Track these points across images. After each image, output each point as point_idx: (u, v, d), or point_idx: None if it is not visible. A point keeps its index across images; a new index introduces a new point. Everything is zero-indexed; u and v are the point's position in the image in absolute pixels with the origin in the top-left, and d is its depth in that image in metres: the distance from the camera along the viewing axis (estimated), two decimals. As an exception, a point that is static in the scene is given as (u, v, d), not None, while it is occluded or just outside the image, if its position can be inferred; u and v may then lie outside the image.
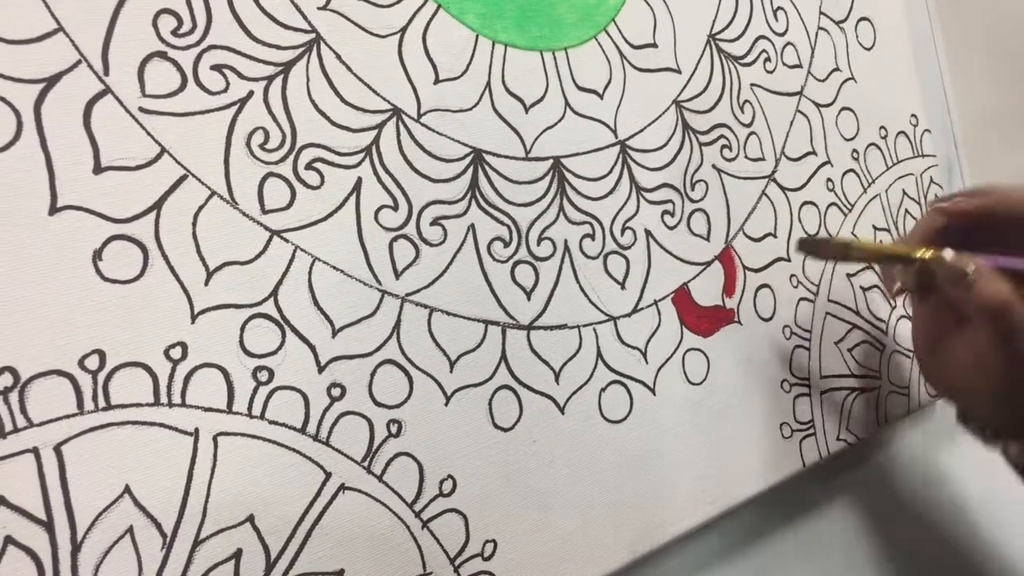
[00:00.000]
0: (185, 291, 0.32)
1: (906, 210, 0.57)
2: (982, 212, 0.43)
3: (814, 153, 0.53)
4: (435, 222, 0.38)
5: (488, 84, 0.40)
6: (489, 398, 0.38)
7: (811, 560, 0.53)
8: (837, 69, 0.55)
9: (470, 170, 0.39)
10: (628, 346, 0.43)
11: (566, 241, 0.42)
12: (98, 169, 0.30)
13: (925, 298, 0.47)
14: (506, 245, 0.40)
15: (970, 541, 0.61)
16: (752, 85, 0.50)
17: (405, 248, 0.37)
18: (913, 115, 0.59)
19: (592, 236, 0.42)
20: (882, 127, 0.57)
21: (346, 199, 0.36)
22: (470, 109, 0.39)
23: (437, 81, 0.39)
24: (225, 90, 0.33)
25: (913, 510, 0.59)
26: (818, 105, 0.53)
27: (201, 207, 0.32)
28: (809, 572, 0.53)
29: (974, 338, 0.43)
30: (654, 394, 0.44)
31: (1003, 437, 0.46)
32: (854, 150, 0.55)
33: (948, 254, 0.42)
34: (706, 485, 0.45)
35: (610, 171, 0.44)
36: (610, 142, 0.44)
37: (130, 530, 0.30)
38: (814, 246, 0.46)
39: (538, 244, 0.41)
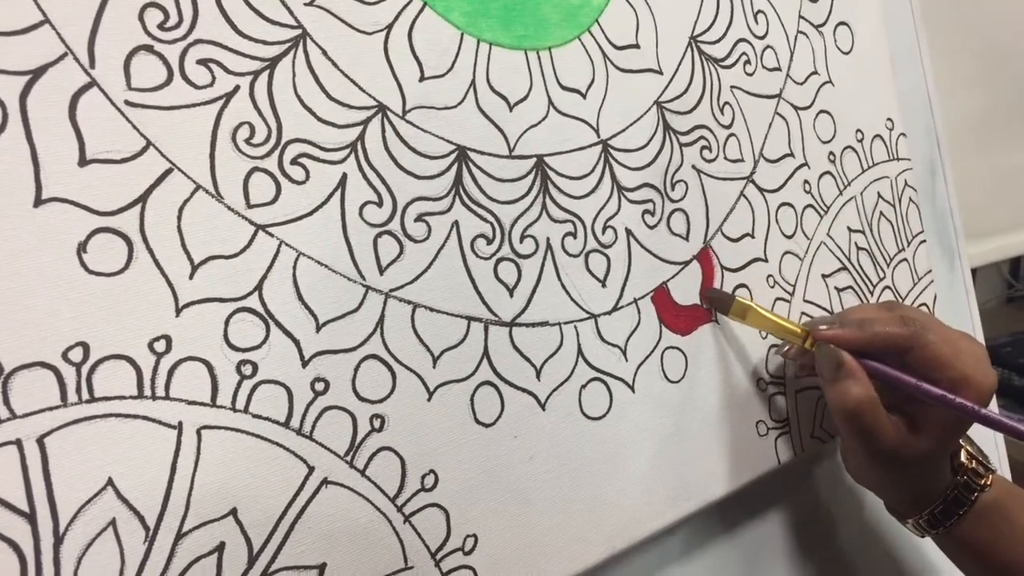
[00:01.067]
0: (170, 284, 0.32)
1: (881, 213, 0.58)
2: (856, 344, 0.45)
3: (792, 155, 0.54)
4: (419, 218, 0.38)
5: (473, 82, 0.40)
6: (471, 394, 0.39)
7: (781, 556, 0.54)
8: (815, 72, 0.55)
9: (454, 167, 0.39)
10: (608, 344, 0.43)
11: (548, 239, 0.42)
12: (83, 162, 0.30)
13: (802, 374, 0.52)
14: (489, 242, 0.40)
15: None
16: (732, 87, 0.51)
17: (389, 244, 0.37)
18: (889, 119, 0.60)
19: (574, 234, 0.43)
20: (858, 130, 0.58)
21: (331, 194, 0.36)
22: (455, 107, 0.40)
23: (422, 78, 0.39)
24: (211, 84, 0.33)
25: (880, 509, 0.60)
26: (796, 108, 0.54)
27: (186, 201, 0.32)
28: (781, 568, 0.54)
29: (844, 439, 0.48)
30: (633, 391, 0.44)
31: (904, 518, 0.51)
32: (831, 153, 0.56)
33: (824, 348, 0.45)
34: (683, 482, 0.45)
35: (592, 170, 0.44)
36: (592, 141, 0.44)
37: (113, 522, 0.30)
38: (719, 300, 0.48)
39: (521, 242, 0.41)
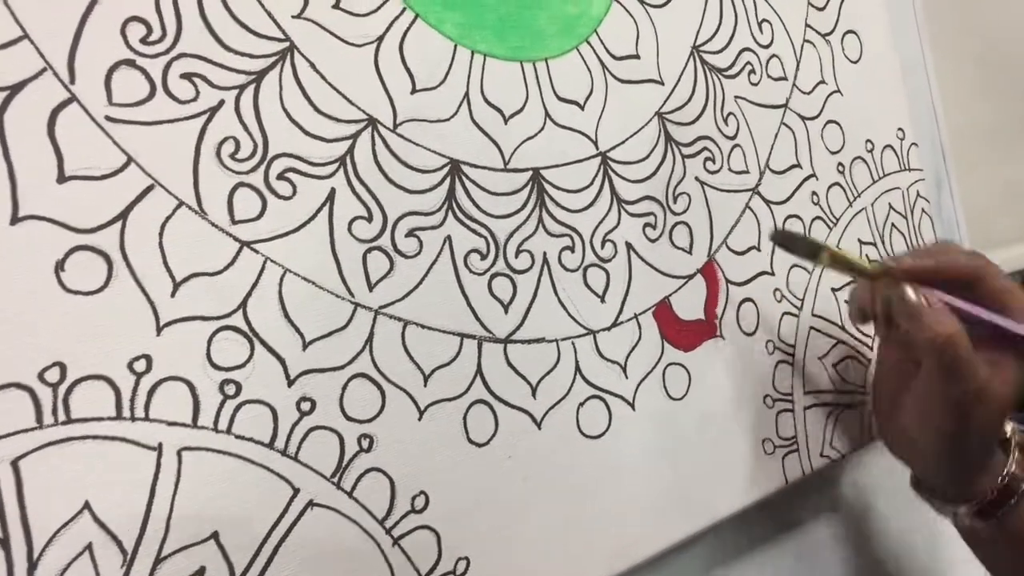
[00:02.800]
0: (150, 303, 0.31)
1: (892, 224, 0.57)
2: (927, 273, 0.43)
3: (799, 166, 0.52)
4: (410, 234, 0.37)
5: (467, 94, 0.40)
6: (464, 413, 0.38)
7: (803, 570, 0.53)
8: (823, 82, 0.54)
9: (447, 181, 0.39)
10: (607, 360, 0.42)
11: (545, 254, 0.41)
12: (62, 178, 0.30)
13: (887, 335, 0.48)
14: (483, 257, 0.39)
15: (951, 564, 0.60)
16: (736, 97, 0.50)
17: (379, 260, 0.36)
18: (900, 128, 0.58)
19: (572, 248, 0.42)
20: (868, 140, 0.56)
21: (319, 210, 0.35)
22: (448, 119, 0.39)
23: (414, 91, 0.38)
24: (195, 99, 0.33)
25: (895, 529, 0.58)
26: (803, 118, 0.53)
27: (168, 217, 0.32)
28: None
29: (922, 382, 0.43)
30: (633, 409, 0.43)
31: (951, 502, 0.46)
32: (840, 163, 0.55)
33: (900, 290, 0.42)
34: (686, 502, 0.44)
35: (591, 183, 0.43)
36: (591, 154, 0.43)
37: (89, 547, 0.29)
38: (788, 239, 0.46)
39: (516, 256, 0.40)
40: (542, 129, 0.42)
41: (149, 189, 0.32)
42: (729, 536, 0.50)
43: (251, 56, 0.34)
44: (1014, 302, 0.42)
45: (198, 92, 0.33)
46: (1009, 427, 0.46)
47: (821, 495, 0.56)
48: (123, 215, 0.31)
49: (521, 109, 0.41)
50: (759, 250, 0.50)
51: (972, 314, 0.42)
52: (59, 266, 0.30)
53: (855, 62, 0.56)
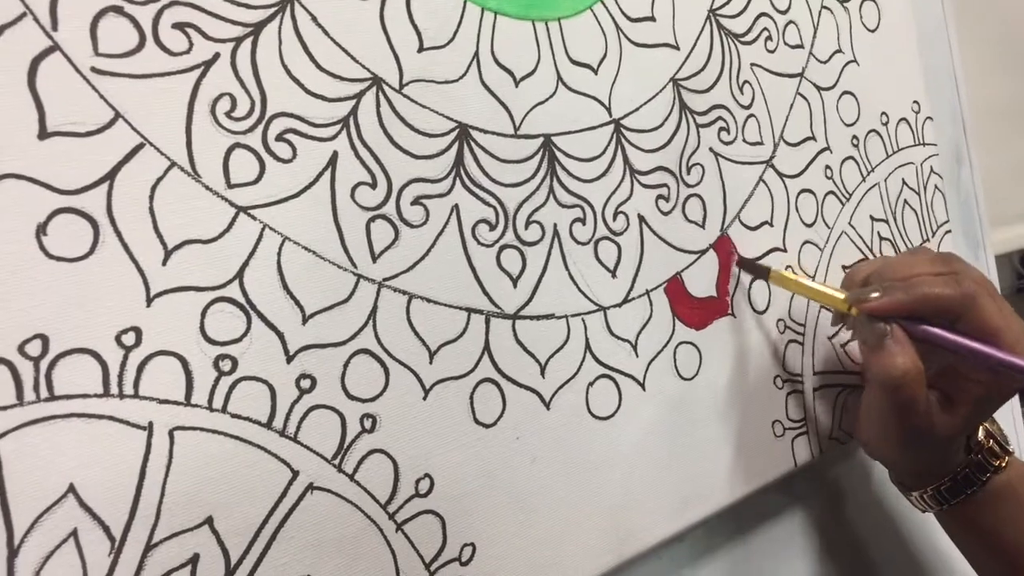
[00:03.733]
0: (140, 271, 0.29)
1: (905, 201, 0.55)
2: (904, 311, 0.41)
3: (813, 138, 0.51)
4: (416, 201, 0.35)
5: (476, 54, 0.37)
6: (471, 392, 0.36)
7: (794, 559, 0.51)
8: (839, 51, 0.52)
9: (455, 146, 0.36)
10: (618, 338, 0.41)
11: (555, 225, 0.39)
12: (44, 134, 0.27)
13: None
14: (492, 228, 0.37)
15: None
16: (752, 65, 0.47)
17: (383, 229, 0.34)
18: (915, 101, 0.57)
19: (583, 220, 0.40)
20: (883, 113, 0.54)
21: (320, 174, 0.33)
22: (456, 80, 0.37)
23: (421, 49, 0.36)
24: (188, 51, 0.30)
25: (897, 511, 0.57)
26: (819, 88, 0.51)
27: (159, 179, 0.29)
28: (792, 569, 0.51)
29: (874, 396, 0.43)
30: (644, 389, 0.41)
31: (908, 489, 0.48)
32: (854, 136, 0.53)
33: (867, 318, 0.41)
34: (696, 485, 0.42)
35: (603, 151, 0.41)
36: (604, 120, 0.41)
37: (74, 533, 0.27)
38: (752, 268, 0.46)
39: (526, 228, 0.38)
40: (554, 93, 0.40)
41: (138, 148, 0.29)
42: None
43: (248, 6, 0.32)
44: (1006, 330, 0.41)
45: (191, 44, 0.30)
46: (982, 431, 0.46)
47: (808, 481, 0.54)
48: (110, 175, 0.29)
49: (533, 72, 0.39)
50: (771, 225, 0.48)
51: (952, 342, 0.41)
52: (41, 230, 0.27)
53: (872, 31, 0.54)
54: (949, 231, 0.58)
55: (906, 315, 0.41)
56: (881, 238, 0.54)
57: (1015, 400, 0.66)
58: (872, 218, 0.54)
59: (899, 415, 0.42)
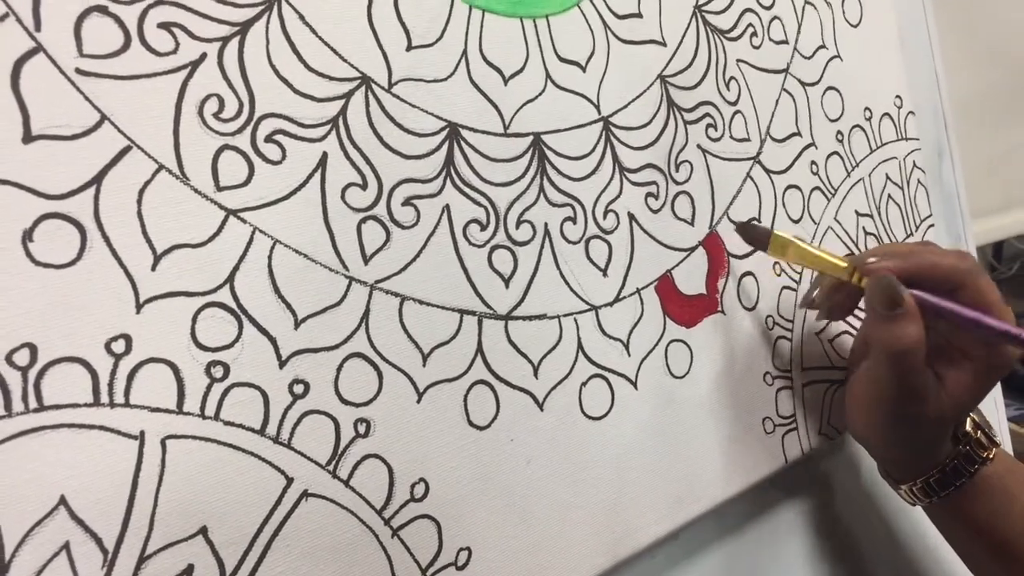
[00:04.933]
0: (129, 277, 0.28)
1: (889, 195, 0.56)
2: (906, 274, 0.41)
3: (799, 134, 0.51)
4: (407, 202, 0.35)
5: (464, 52, 0.37)
6: (464, 394, 0.35)
7: (786, 553, 0.51)
8: (823, 46, 0.52)
9: (445, 146, 0.36)
10: (610, 337, 0.40)
11: (546, 224, 0.39)
12: (28, 138, 0.27)
13: (833, 318, 0.48)
14: (483, 228, 0.37)
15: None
16: (738, 61, 0.47)
17: (375, 231, 0.34)
18: (898, 96, 0.57)
19: (573, 219, 0.40)
20: (867, 108, 0.55)
21: (310, 176, 0.32)
22: (445, 79, 0.36)
23: (410, 47, 0.35)
24: (174, 51, 0.30)
25: (886, 505, 0.58)
26: (804, 84, 0.51)
27: (147, 183, 0.29)
28: (785, 563, 0.51)
29: (875, 368, 0.43)
30: (636, 388, 0.41)
31: (896, 481, 0.48)
32: (839, 132, 0.53)
33: (882, 281, 0.40)
34: (689, 483, 0.42)
35: (593, 149, 0.41)
36: (593, 118, 0.41)
37: (66, 546, 0.27)
38: (753, 233, 0.45)
39: (517, 227, 0.38)
40: (543, 91, 0.39)
41: (125, 151, 0.28)
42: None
43: (235, 5, 0.31)
44: (997, 305, 0.41)
45: (178, 44, 0.30)
46: (969, 422, 0.46)
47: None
48: (97, 179, 0.28)
49: (521, 69, 0.39)
50: (759, 221, 0.48)
51: (952, 312, 0.41)
52: (27, 236, 0.27)
53: (855, 26, 0.54)
54: (932, 225, 0.58)
55: (907, 281, 0.41)
56: (866, 233, 0.54)
57: (998, 393, 0.67)
58: (857, 213, 0.54)
59: (899, 388, 0.41)
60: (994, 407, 0.66)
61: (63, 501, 0.27)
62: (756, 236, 0.45)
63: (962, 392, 0.43)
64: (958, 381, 0.43)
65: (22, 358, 0.26)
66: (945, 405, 0.43)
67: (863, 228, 0.54)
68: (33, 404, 0.26)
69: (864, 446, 0.49)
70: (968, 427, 0.46)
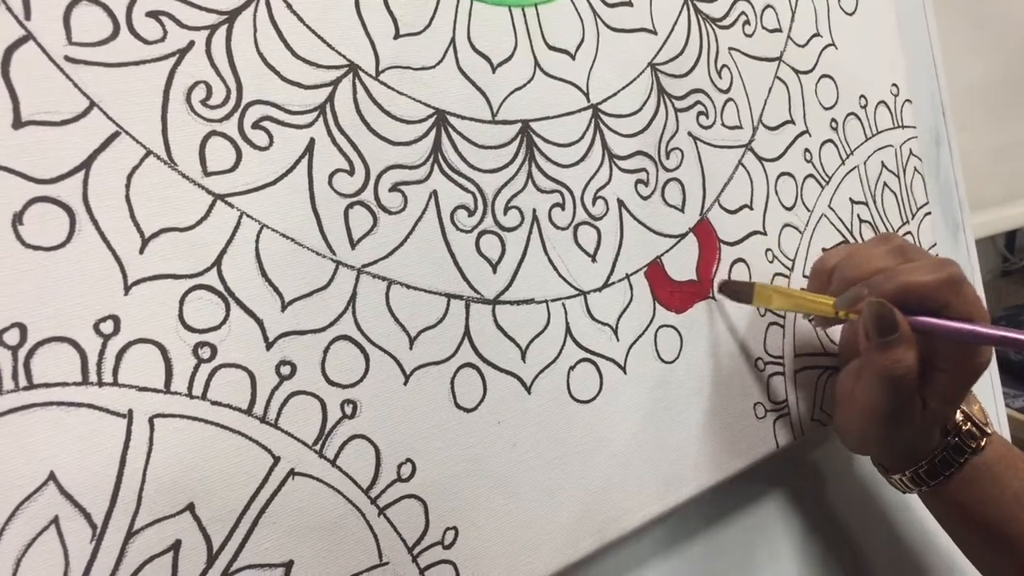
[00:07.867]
0: (117, 259, 0.29)
1: (884, 183, 0.56)
2: (896, 303, 0.41)
3: (792, 122, 0.51)
4: (394, 188, 0.35)
5: (453, 40, 0.37)
6: (451, 377, 0.36)
7: (776, 540, 0.52)
8: (817, 34, 0.52)
9: (432, 132, 0.36)
10: (598, 322, 0.41)
11: (535, 210, 0.39)
12: (18, 124, 0.27)
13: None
14: (471, 214, 0.37)
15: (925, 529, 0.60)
16: (730, 49, 0.48)
17: (362, 216, 0.34)
18: (894, 84, 0.57)
19: (562, 205, 0.40)
20: (862, 96, 0.55)
21: (297, 162, 0.33)
22: (433, 67, 0.37)
23: (397, 35, 0.36)
24: (162, 39, 0.30)
25: (878, 491, 0.58)
26: (797, 72, 0.51)
27: (135, 167, 0.29)
28: (774, 550, 0.52)
29: (868, 391, 0.43)
30: (625, 373, 0.41)
31: (887, 472, 0.49)
32: (833, 119, 0.53)
33: (878, 309, 0.40)
34: (677, 468, 0.43)
35: (582, 137, 0.41)
36: (582, 106, 0.41)
37: (55, 521, 0.27)
38: (739, 292, 0.46)
39: (505, 213, 0.38)
40: (532, 79, 0.40)
41: (114, 136, 0.29)
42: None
43: (223, -6, 0.32)
44: (981, 307, 0.42)
45: (166, 32, 0.30)
46: (960, 414, 0.46)
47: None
48: (86, 164, 0.29)
49: (510, 57, 0.39)
50: (751, 209, 0.48)
51: (947, 330, 0.41)
52: (17, 219, 0.27)
53: (851, 14, 0.54)
54: (929, 213, 0.58)
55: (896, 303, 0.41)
56: (861, 221, 0.54)
57: (996, 378, 0.67)
58: (852, 201, 0.54)
59: (893, 409, 0.42)
60: (991, 391, 0.66)
61: (52, 477, 0.27)
62: (738, 291, 0.46)
63: (945, 397, 0.43)
64: (942, 390, 0.43)
65: (12, 337, 0.27)
66: (932, 412, 0.43)
67: (858, 216, 0.54)
68: (23, 382, 0.27)
69: (852, 452, 0.50)
70: (958, 418, 0.46)
